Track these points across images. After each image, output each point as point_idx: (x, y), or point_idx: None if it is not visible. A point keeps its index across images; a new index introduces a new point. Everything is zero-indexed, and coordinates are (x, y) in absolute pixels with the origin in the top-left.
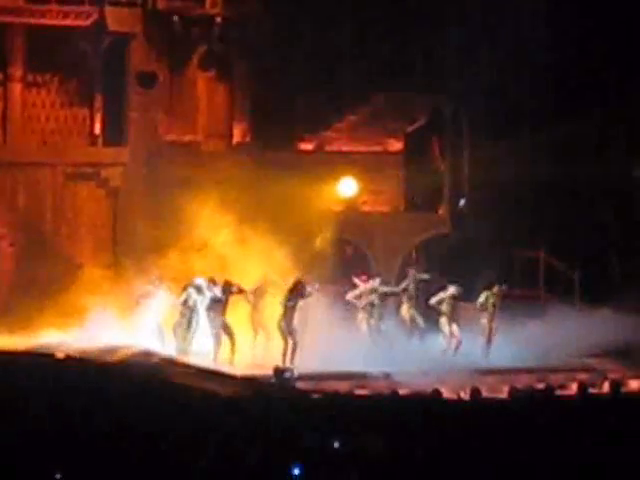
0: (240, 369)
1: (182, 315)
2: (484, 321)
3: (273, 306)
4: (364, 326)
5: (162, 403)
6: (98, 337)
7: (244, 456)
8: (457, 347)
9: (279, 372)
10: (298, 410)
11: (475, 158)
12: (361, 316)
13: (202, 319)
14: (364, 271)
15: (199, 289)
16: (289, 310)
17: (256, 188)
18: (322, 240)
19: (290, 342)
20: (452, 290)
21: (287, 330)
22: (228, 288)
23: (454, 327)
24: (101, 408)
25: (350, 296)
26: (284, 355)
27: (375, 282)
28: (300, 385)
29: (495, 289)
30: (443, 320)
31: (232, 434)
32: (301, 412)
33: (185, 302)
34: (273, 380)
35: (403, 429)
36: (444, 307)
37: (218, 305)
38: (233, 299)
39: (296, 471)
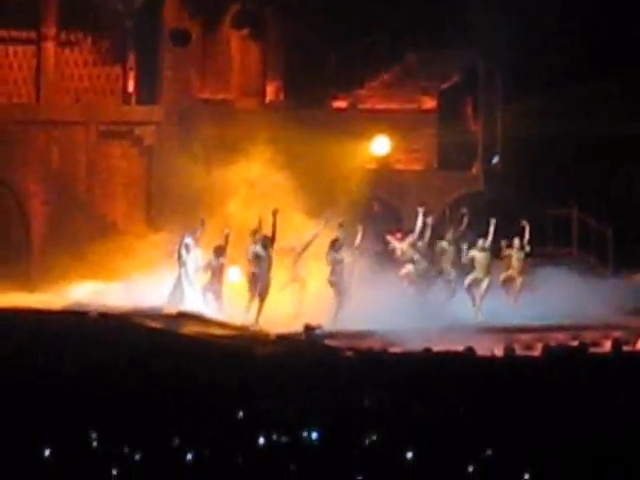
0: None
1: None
2: (505, 275)
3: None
4: (406, 283)
5: (197, 363)
6: (132, 296)
7: (278, 415)
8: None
9: (309, 329)
10: (330, 368)
11: (509, 116)
12: (404, 272)
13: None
14: (397, 228)
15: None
16: (336, 264)
17: (289, 146)
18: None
19: (339, 298)
20: (480, 246)
21: (337, 285)
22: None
23: (484, 284)
24: (136, 369)
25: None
26: (337, 310)
27: (412, 238)
28: (330, 343)
29: (516, 243)
30: (472, 277)
31: (266, 392)
32: (332, 370)
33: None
34: (303, 337)
35: (436, 388)
36: (475, 264)
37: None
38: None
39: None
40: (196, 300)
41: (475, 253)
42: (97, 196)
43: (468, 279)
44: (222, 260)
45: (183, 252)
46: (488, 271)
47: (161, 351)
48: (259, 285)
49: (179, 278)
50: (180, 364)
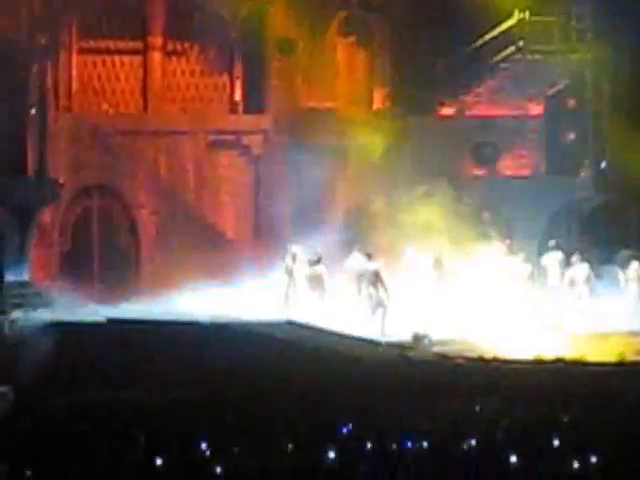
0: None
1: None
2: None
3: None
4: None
5: (311, 370)
6: (240, 305)
7: (395, 422)
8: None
9: (418, 338)
10: (442, 375)
11: (616, 121)
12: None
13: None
14: (507, 236)
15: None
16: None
17: (397, 154)
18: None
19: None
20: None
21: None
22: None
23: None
24: (243, 374)
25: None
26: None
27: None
28: (440, 350)
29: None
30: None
31: (376, 398)
32: (445, 377)
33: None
34: (412, 345)
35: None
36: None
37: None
38: None
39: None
40: (305, 308)
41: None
42: (205, 206)
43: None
44: (319, 269)
45: (289, 261)
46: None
47: (273, 359)
48: (380, 295)
49: (287, 287)
50: (291, 375)
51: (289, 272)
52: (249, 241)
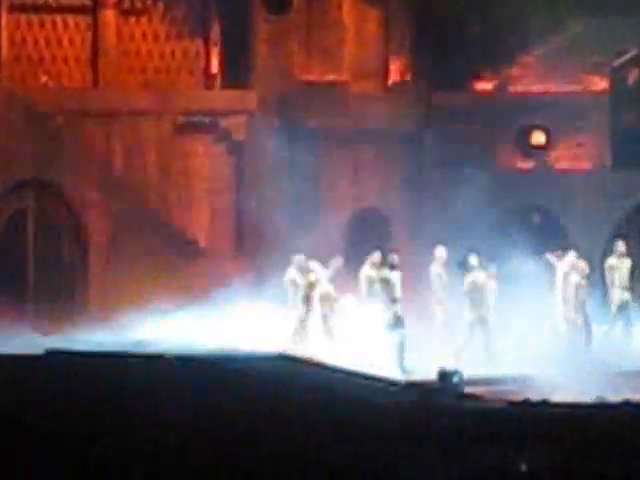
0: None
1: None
2: None
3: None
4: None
5: (312, 413)
6: (219, 334)
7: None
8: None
9: (446, 375)
10: (475, 421)
11: None
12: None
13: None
14: (560, 245)
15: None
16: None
17: (419, 141)
18: None
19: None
20: None
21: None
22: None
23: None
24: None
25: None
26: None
27: (572, 256)
28: (470, 390)
29: None
30: None
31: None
32: (479, 424)
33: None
34: (438, 385)
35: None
36: None
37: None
38: None
39: None
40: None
41: None
42: (172, 206)
43: None
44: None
45: (297, 278)
46: None
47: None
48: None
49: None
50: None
51: (305, 297)
52: (229, 250)
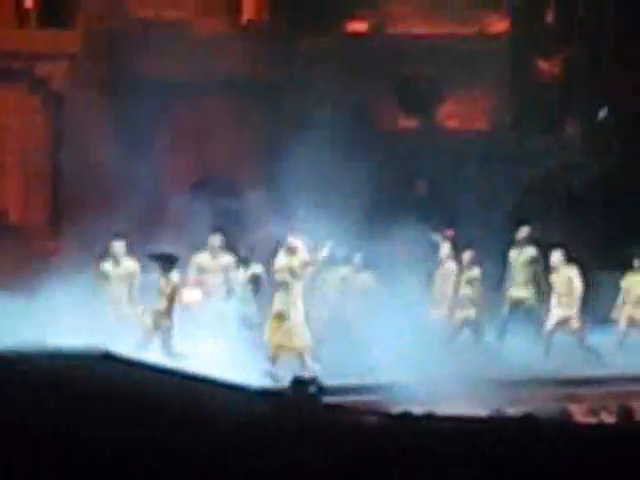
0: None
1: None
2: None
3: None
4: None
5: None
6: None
7: None
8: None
9: (300, 384)
10: (341, 439)
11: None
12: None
13: None
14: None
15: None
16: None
17: (278, 93)
18: None
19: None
20: None
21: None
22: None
23: None
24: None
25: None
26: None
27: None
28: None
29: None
30: None
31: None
32: (347, 442)
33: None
34: (291, 395)
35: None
36: None
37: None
38: None
39: None
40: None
41: None
42: None
43: None
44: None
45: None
46: None
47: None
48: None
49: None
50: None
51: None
52: (46, 228)
